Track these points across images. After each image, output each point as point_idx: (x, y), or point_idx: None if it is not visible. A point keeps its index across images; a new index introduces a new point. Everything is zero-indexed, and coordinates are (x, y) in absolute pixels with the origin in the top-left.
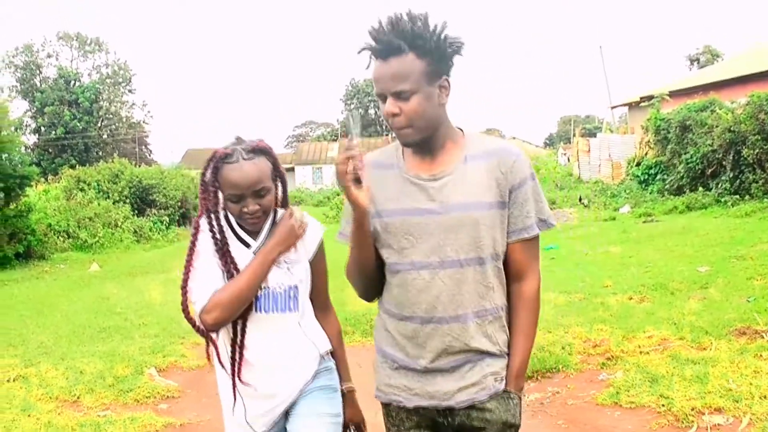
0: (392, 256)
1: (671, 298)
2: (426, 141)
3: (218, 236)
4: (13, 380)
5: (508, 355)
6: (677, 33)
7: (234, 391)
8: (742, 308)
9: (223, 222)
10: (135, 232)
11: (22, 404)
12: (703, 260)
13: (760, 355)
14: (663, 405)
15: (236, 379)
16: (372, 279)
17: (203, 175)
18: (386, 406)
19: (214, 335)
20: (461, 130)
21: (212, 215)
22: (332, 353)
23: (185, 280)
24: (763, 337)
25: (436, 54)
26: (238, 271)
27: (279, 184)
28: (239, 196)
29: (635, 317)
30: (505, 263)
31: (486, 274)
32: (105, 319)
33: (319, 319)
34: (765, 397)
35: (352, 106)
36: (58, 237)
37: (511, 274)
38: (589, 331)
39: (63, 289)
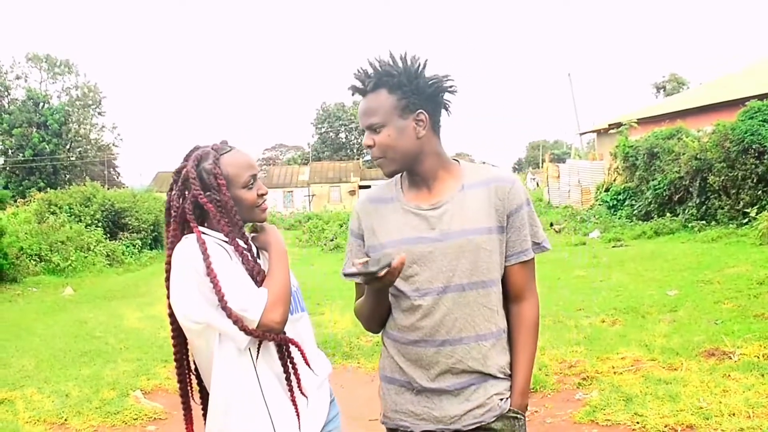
0: (399, 285)
1: (642, 321)
2: (411, 172)
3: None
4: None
5: (510, 376)
6: (644, 61)
7: (296, 409)
8: (710, 330)
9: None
10: (108, 255)
11: (10, 427)
12: (672, 284)
13: (729, 375)
14: (638, 422)
15: (298, 390)
16: (383, 317)
17: (213, 166)
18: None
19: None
20: (457, 161)
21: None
22: None
23: (222, 298)
24: (731, 358)
25: (408, 89)
26: (261, 268)
27: None
28: (254, 177)
29: (608, 339)
30: (504, 286)
31: (489, 297)
32: (85, 343)
33: None
34: (734, 414)
35: (323, 130)
36: (30, 260)
37: (511, 297)
38: (565, 352)
39: (38, 313)
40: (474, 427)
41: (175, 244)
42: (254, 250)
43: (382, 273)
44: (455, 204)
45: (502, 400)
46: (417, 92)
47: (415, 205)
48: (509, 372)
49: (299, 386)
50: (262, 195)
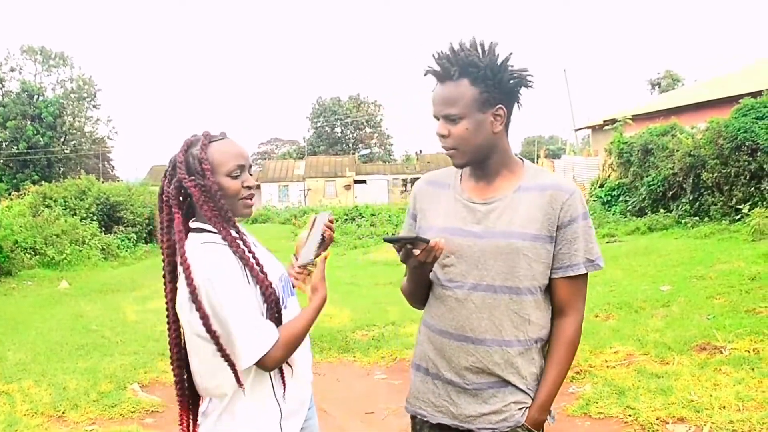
0: (436, 270)
1: (635, 316)
2: (477, 165)
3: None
4: None
5: (533, 390)
6: (639, 57)
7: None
8: (702, 325)
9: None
10: (103, 249)
11: (8, 420)
12: (665, 279)
13: (720, 369)
14: (630, 415)
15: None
16: (424, 297)
17: (200, 152)
18: (413, 418)
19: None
20: (522, 160)
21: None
22: None
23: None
24: (722, 353)
25: (491, 83)
26: (255, 261)
27: None
28: (242, 167)
29: (602, 334)
30: (552, 299)
31: (522, 304)
32: (81, 337)
33: None
34: (724, 407)
35: (319, 125)
36: (25, 254)
37: (555, 310)
38: None
39: (34, 307)
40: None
41: (169, 230)
42: (248, 239)
43: (418, 250)
44: (506, 204)
45: (520, 410)
46: (499, 86)
47: (468, 197)
48: (533, 385)
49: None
50: (249, 188)
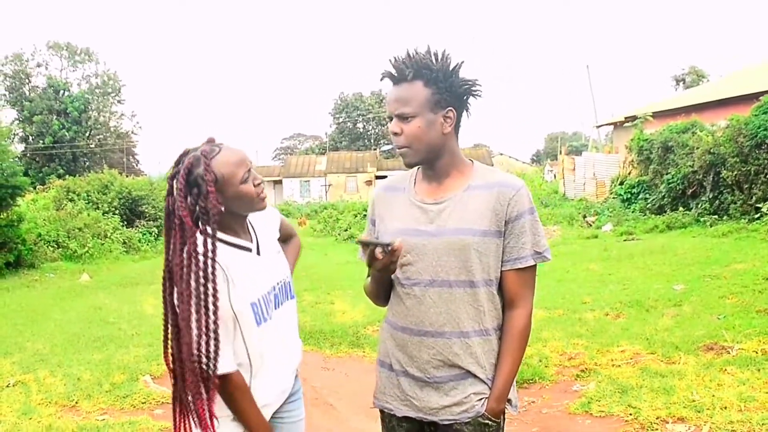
0: (396, 271)
1: (646, 315)
2: (428, 166)
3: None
4: (13, 385)
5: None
6: (664, 53)
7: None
8: (712, 325)
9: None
10: (124, 243)
11: (23, 408)
12: (679, 279)
13: (725, 370)
14: (631, 414)
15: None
16: (387, 295)
17: (205, 172)
18: (381, 412)
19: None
20: (472, 162)
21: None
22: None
23: (208, 351)
24: (729, 353)
25: (443, 85)
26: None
27: None
28: (249, 171)
29: (610, 332)
30: (502, 291)
31: (477, 297)
32: (98, 329)
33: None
34: (725, 407)
35: (341, 120)
36: (47, 247)
37: (505, 302)
38: (566, 345)
39: (55, 299)
40: (449, 423)
41: (176, 250)
42: (254, 240)
43: (379, 252)
44: (456, 202)
45: (480, 401)
46: (450, 90)
47: (421, 199)
48: (492, 375)
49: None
50: (259, 184)
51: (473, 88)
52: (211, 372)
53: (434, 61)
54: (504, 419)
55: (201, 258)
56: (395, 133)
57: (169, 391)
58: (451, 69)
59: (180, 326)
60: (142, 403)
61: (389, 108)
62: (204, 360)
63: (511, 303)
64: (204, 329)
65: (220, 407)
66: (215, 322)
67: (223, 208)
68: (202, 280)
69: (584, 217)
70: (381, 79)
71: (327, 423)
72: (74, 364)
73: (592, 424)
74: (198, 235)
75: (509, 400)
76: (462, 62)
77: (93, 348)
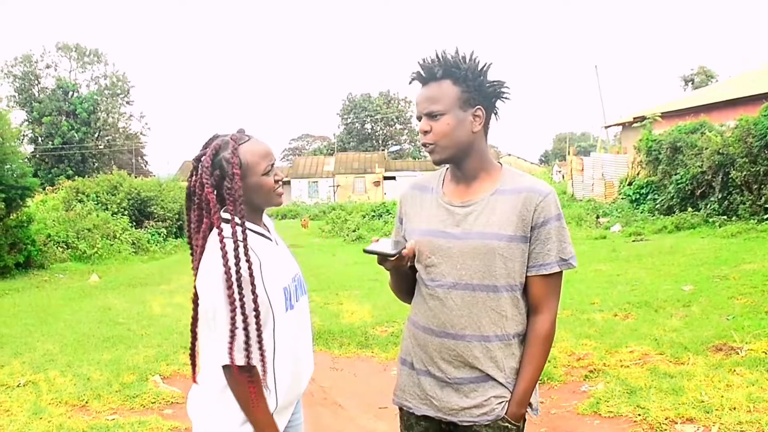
0: (420, 270)
1: (654, 316)
2: (456, 166)
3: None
4: (24, 385)
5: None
6: (673, 53)
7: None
8: (721, 326)
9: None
10: (133, 243)
11: (33, 408)
12: (687, 279)
13: (734, 370)
14: (639, 415)
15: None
16: (409, 291)
17: (232, 156)
18: (401, 410)
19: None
20: (501, 165)
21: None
22: None
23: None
24: (738, 353)
25: (472, 84)
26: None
27: None
28: (272, 164)
29: (619, 333)
30: (527, 296)
31: (500, 301)
32: (108, 329)
33: None
34: (734, 408)
35: (349, 121)
36: (57, 247)
37: (530, 307)
38: (575, 345)
39: (65, 299)
40: (468, 424)
41: (199, 229)
42: (270, 235)
43: (393, 257)
44: (483, 206)
45: (500, 404)
46: (479, 89)
47: (448, 200)
48: (513, 379)
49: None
50: (279, 180)
51: (501, 90)
52: (243, 362)
53: (463, 60)
54: (524, 423)
55: (230, 240)
56: (425, 132)
57: (178, 391)
58: (479, 69)
59: (211, 314)
60: (152, 402)
61: (418, 108)
62: (239, 348)
63: (535, 308)
64: (242, 315)
65: (231, 413)
66: (255, 309)
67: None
68: (233, 261)
69: (597, 218)
70: (410, 82)
71: (336, 423)
72: (84, 364)
73: (600, 425)
74: (224, 215)
75: (530, 404)
76: (490, 63)
77: (103, 348)
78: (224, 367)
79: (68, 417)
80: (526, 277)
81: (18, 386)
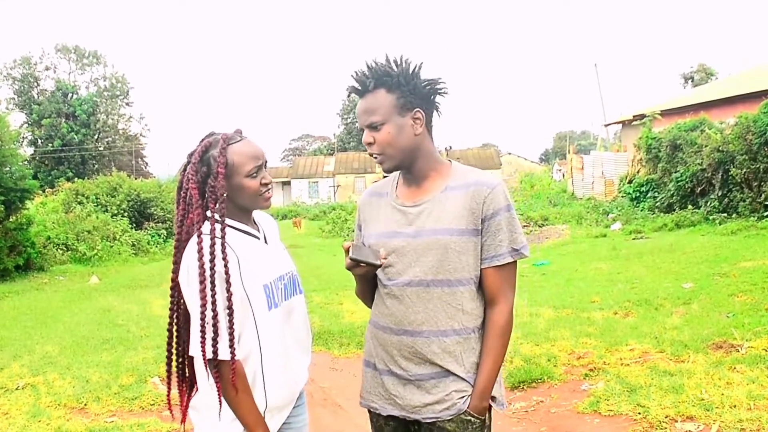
0: (378, 272)
1: (655, 314)
2: (407, 170)
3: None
4: (22, 388)
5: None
6: (672, 51)
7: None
8: (721, 323)
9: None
10: (133, 245)
11: (32, 410)
12: (688, 277)
13: (734, 368)
14: (639, 413)
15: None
16: (373, 296)
17: (220, 155)
18: (369, 412)
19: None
20: (450, 162)
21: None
22: None
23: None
24: (738, 351)
25: (406, 88)
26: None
27: None
28: (259, 168)
29: (619, 331)
30: (482, 288)
31: (456, 296)
32: (107, 331)
33: None
34: (735, 406)
35: (349, 121)
36: (57, 249)
37: (486, 299)
38: (575, 344)
39: (64, 301)
40: (431, 421)
41: (183, 224)
42: (258, 234)
43: (378, 267)
44: (434, 204)
45: (462, 398)
46: (414, 92)
47: (401, 202)
48: (474, 373)
49: None
50: (266, 184)
51: (437, 86)
52: (211, 355)
53: (393, 67)
54: (490, 417)
55: (207, 237)
56: (369, 143)
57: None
58: (411, 72)
59: (187, 308)
60: (151, 404)
61: (360, 121)
62: (209, 342)
63: (491, 300)
64: (212, 311)
65: (222, 410)
66: (229, 306)
67: (226, 194)
68: (209, 257)
69: (606, 214)
70: (348, 95)
71: (335, 423)
72: (83, 366)
73: (600, 423)
74: (206, 213)
75: (494, 398)
76: (422, 63)
77: (102, 350)
78: (208, 361)
79: (67, 419)
80: (481, 270)
81: (17, 389)
